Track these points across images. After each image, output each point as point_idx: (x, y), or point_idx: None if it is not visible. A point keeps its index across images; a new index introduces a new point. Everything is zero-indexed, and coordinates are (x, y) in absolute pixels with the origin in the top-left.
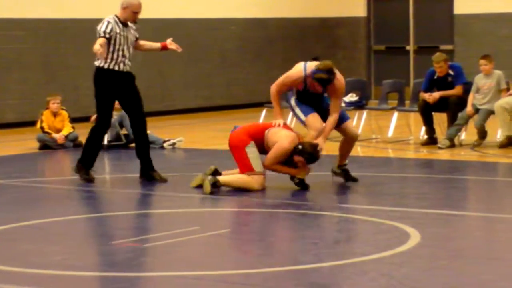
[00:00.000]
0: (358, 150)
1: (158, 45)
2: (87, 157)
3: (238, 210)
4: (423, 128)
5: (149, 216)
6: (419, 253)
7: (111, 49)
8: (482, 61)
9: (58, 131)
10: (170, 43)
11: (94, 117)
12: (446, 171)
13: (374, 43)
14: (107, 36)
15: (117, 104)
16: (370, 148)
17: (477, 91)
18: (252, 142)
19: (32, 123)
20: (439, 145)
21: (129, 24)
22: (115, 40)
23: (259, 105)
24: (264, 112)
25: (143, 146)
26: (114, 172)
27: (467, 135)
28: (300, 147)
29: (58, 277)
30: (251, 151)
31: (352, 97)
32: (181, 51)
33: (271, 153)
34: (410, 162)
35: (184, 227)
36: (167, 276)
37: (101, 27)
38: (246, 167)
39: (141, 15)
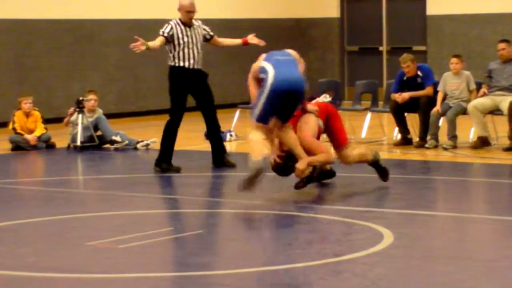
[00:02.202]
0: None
1: (239, 41)
2: (164, 152)
3: (212, 211)
4: (397, 129)
5: (123, 217)
6: (393, 253)
7: (177, 48)
8: (453, 59)
9: (31, 131)
10: (251, 38)
11: (67, 118)
12: (419, 172)
13: (347, 44)
14: (165, 35)
15: (92, 106)
16: None
17: (446, 91)
18: None
19: (4, 124)
20: (427, 145)
21: (196, 24)
22: (178, 41)
23: (233, 106)
24: (237, 113)
25: (216, 140)
26: (87, 173)
27: (440, 135)
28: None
29: (30, 278)
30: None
31: (325, 98)
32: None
33: None
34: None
35: (158, 228)
36: (141, 277)
37: (162, 28)
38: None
39: (115, 16)
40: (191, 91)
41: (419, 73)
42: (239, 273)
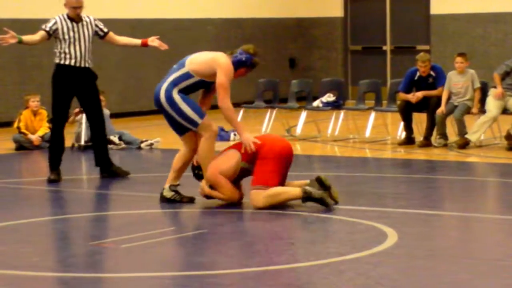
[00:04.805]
0: (335, 150)
1: (138, 41)
2: (51, 159)
3: (215, 211)
4: (400, 128)
5: (125, 217)
6: (396, 253)
7: (62, 45)
8: (458, 58)
9: (37, 131)
10: (152, 40)
11: (72, 118)
12: (424, 171)
13: (350, 43)
14: (47, 29)
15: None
16: (347, 148)
17: (451, 90)
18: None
19: (8, 124)
20: (435, 144)
21: (86, 20)
22: (63, 36)
23: (236, 105)
24: (241, 112)
25: (100, 144)
26: (90, 173)
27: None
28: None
29: (34, 278)
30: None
31: (329, 97)
32: (160, 49)
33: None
34: (388, 162)
35: (160, 228)
36: (144, 276)
37: (46, 23)
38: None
39: (118, 15)
40: (75, 92)
41: (431, 73)
42: (242, 273)
